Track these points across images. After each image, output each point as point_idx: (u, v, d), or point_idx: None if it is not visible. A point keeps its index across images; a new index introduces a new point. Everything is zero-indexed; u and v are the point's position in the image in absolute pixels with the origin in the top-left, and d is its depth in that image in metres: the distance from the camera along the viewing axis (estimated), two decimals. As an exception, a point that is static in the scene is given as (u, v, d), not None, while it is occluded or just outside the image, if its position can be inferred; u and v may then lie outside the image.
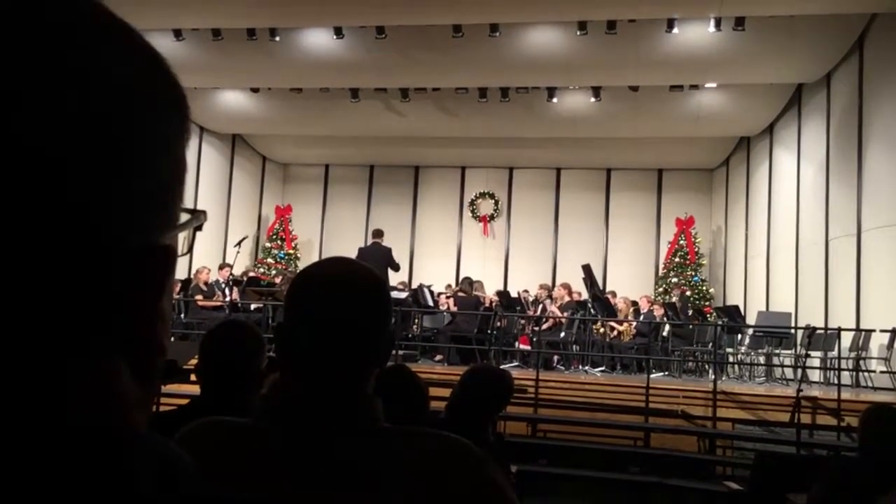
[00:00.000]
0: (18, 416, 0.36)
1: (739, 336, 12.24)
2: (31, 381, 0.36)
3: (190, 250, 0.49)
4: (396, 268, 11.40)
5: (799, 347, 10.63)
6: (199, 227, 0.48)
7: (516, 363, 10.94)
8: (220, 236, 15.84)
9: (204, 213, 0.48)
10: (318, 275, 1.12)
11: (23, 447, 0.35)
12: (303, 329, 1.07)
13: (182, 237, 0.46)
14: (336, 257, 1.18)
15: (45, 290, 0.37)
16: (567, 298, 12.11)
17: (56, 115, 0.36)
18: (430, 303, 11.83)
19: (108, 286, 0.39)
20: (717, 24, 10.99)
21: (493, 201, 17.59)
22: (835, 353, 10.24)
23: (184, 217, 0.45)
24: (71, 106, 0.37)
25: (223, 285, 11.72)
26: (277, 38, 11.98)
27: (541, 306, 12.19)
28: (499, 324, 10.88)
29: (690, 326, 11.91)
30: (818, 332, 10.05)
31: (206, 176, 15.47)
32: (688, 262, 15.38)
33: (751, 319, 11.99)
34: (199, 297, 11.18)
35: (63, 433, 0.36)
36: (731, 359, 12.15)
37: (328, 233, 18.32)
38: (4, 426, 0.35)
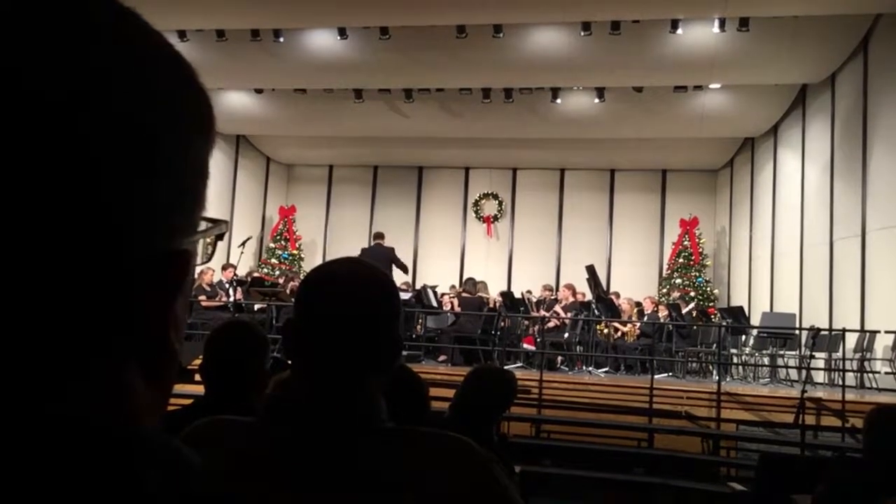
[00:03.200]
0: (30, 413, 0.36)
1: (744, 337, 12.22)
2: (44, 380, 0.37)
3: (209, 259, 0.50)
4: (403, 267, 11.42)
5: (803, 348, 10.62)
6: (221, 237, 0.49)
7: (520, 364, 10.93)
8: (225, 237, 15.78)
9: (225, 222, 0.48)
10: (327, 274, 1.13)
11: (33, 444, 0.35)
12: (310, 327, 1.08)
13: (201, 245, 0.47)
14: (346, 258, 1.20)
15: (65, 289, 0.37)
16: (571, 299, 12.11)
17: (89, 118, 0.37)
18: (434, 303, 11.83)
19: (126, 288, 0.39)
20: (722, 25, 10.97)
21: (496, 202, 17.58)
22: (839, 354, 10.24)
23: (204, 225, 0.45)
24: (103, 110, 0.38)
25: (227, 286, 11.73)
26: (281, 39, 12.00)
27: (544, 306, 12.18)
28: (502, 324, 10.88)
29: (695, 327, 11.89)
30: (822, 332, 10.03)
31: (210, 177, 15.43)
32: (692, 263, 15.36)
33: (755, 320, 11.98)
34: (202, 297, 11.20)
35: (73, 431, 0.37)
36: (735, 360, 12.13)
37: (332, 233, 18.34)
38: (16, 424, 0.35)
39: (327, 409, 1.04)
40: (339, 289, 1.09)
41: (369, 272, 1.12)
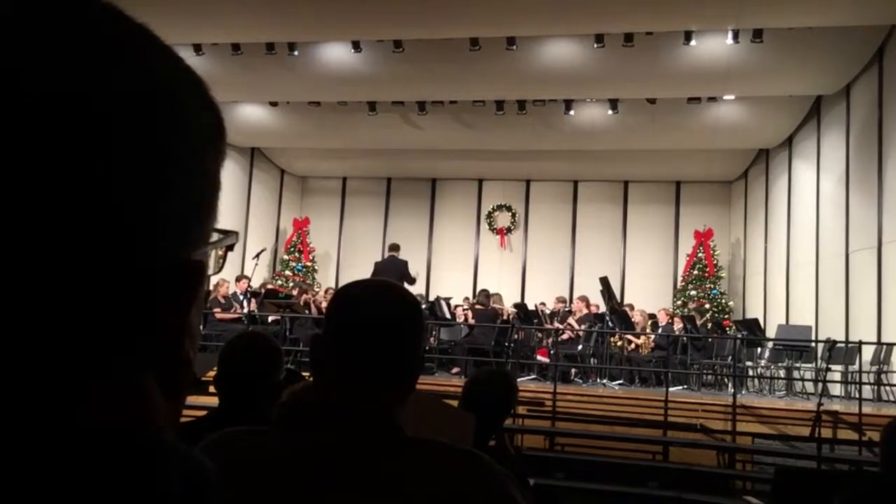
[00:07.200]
0: (45, 426, 0.36)
1: (759, 349, 12.14)
2: (59, 392, 0.37)
3: (220, 269, 0.50)
4: (412, 281, 11.41)
5: (819, 361, 10.53)
6: (231, 248, 0.49)
7: (534, 376, 10.90)
8: (239, 249, 15.87)
9: (236, 233, 0.49)
10: (358, 290, 1.19)
11: (50, 456, 0.36)
12: (337, 339, 1.13)
13: (213, 256, 0.47)
14: (378, 279, 1.31)
15: (77, 302, 0.37)
16: (585, 311, 12.07)
17: (103, 132, 0.37)
18: (448, 315, 11.83)
19: (141, 298, 0.39)
20: (735, 37, 10.95)
21: (510, 214, 17.58)
22: (856, 366, 10.15)
23: (215, 236, 0.46)
24: (117, 124, 0.38)
25: (241, 297, 11.78)
26: (296, 53, 12.07)
27: (558, 318, 12.15)
28: (516, 336, 10.87)
29: (710, 339, 11.82)
30: (839, 345, 9.94)
31: (224, 189, 15.14)
32: (706, 274, 15.29)
33: (770, 333, 11.90)
34: (216, 309, 11.25)
35: (91, 442, 0.37)
36: (750, 372, 12.04)
37: (346, 245, 18.37)
38: (32, 436, 0.36)
39: (342, 419, 1.05)
40: (369, 306, 1.15)
41: (397, 292, 1.19)
